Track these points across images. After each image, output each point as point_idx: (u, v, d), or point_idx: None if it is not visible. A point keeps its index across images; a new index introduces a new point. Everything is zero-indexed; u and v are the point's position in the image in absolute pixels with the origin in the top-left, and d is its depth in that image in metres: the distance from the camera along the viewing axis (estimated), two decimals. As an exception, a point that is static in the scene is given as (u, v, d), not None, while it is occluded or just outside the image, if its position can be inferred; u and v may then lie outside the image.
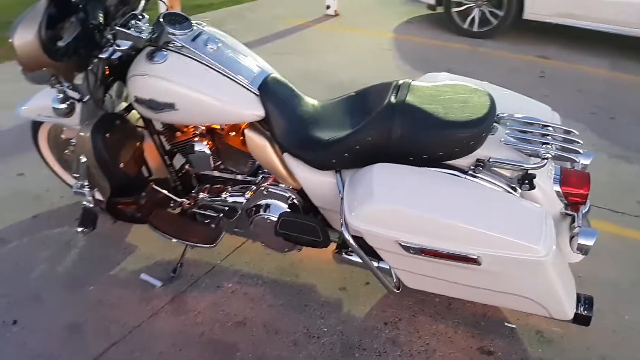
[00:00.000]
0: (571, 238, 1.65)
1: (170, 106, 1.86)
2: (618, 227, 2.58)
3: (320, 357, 1.87)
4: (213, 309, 2.07)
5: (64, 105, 1.95)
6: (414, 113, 1.68)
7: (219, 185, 2.18)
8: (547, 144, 1.68)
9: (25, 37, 1.61)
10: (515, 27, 5.25)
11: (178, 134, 2.10)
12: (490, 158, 1.68)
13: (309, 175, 1.87)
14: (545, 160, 1.65)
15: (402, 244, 1.59)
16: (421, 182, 1.62)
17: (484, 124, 1.65)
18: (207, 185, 2.19)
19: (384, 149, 1.71)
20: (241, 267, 2.28)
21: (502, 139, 1.69)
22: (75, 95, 1.99)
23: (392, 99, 1.74)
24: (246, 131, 1.93)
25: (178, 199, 2.18)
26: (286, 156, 1.90)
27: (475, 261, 1.55)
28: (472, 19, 5.28)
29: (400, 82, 1.83)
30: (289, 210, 1.98)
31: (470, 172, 1.70)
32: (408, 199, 1.58)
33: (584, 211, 1.76)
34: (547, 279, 1.56)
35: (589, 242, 1.60)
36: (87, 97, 1.93)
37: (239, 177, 2.15)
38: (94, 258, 2.32)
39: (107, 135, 1.93)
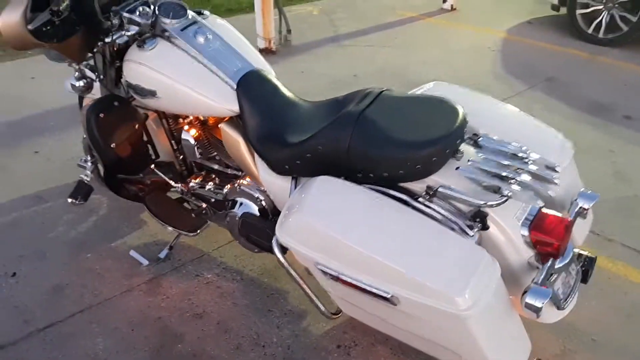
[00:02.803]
0: (523, 293, 1.38)
1: (153, 93, 1.90)
2: None
3: (254, 367, 1.82)
4: (181, 296, 2.10)
5: (80, 83, 2.11)
6: (365, 126, 1.53)
7: (211, 175, 2.19)
8: (513, 179, 1.42)
9: (10, 18, 1.74)
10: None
11: (180, 120, 2.15)
12: (440, 186, 1.47)
13: (269, 178, 1.80)
14: (504, 199, 1.40)
15: (319, 266, 1.46)
16: (354, 204, 1.47)
17: (435, 146, 1.44)
18: (201, 174, 2.21)
19: (334, 160, 1.58)
20: (227, 260, 2.28)
21: (458, 167, 1.46)
22: (92, 74, 2.14)
23: (350, 109, 1.59)
24: (222, 125, 1.91)
25: (174, 184, 2.24)
26: (256, 155, 1.84)
27: (389, 300, 1.37)
28: (599, 24, 4.62)
29: (374, 90, 1.67)
30: (251, 212, 1.92)
31: (421, 199, 1.50)
32: (333, 220, 1.44)
33: (560, 264, 1.47)
34: (470, 337, 1.33)
35: (537, 303, 1.33)
36: (102, 77, 2.06)
37: (229, 169, 2.13)
38: (105, 228, 2.48)
39: (102, 115, 2.03)
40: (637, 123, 3.46)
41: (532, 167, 1.47)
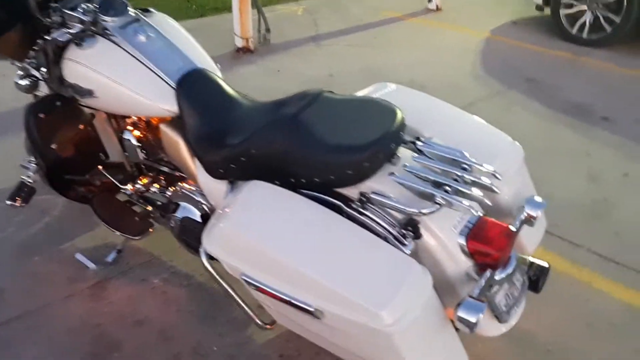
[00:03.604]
0: (457, 307, 1.30)
1: (90, 93, 1.83)
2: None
3: (190, 378, 1.74)
4: (125, 302, 2.03)
5: (24, 82, 2.04)
6: (297, 130, 1.45)
7: (159, 177, 2.11)
8: (449, 186, 1.34)
9: None
10: (637, 38, 4.42)
11: (126, 120, 2.07)
12: (372, 193, 1.39)
13: (207, 181, 1.72)
14: (437, 207, 1.32)
15: (243, 277, 1.39)
16: (282, 211, 1.39)
17: (366, 151, 1.37)
18: (148, 176, 2.13)
19: (268, 164, 1.51)
20: (177, 265, 2.20)
21: (392, 173, 1.39)
22: (37, 73, 2.06)
23: (285, 111, 1.52)
24: (161, 126, 1.83)
25: (121, 186, 2.16)
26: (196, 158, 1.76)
27: (312, 314, 1.29)
28: (583, 24, 4.54)
29: (313, 91, 1.59)
30: (190, 216, 1.84)
31: (354, 206, 1.42)
32: (256, 229, 1.37)
33: (500, 275, 1.39)
34: (397, 353, 1.25)
35: (471, 318, 1.25)
36: (45, 76, 1.98)
37: (176, 172, 2.06)
38: (56, 230, 2.40)
39: (42, 115, 1.96)
40: (614, 124, 3.38)
41: (471, 174, 1.39)
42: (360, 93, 1.81)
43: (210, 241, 1.44)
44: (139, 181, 2.11)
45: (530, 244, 1.66)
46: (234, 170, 1.59)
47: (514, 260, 1.43)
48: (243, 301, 1.57)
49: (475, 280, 1.38)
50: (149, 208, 2.10)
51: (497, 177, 1.42)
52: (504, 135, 1.67)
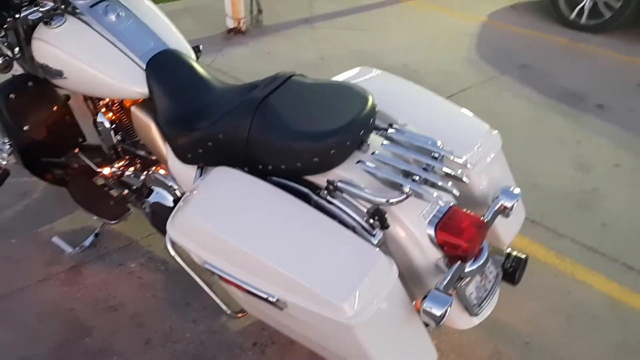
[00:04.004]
0: (422, 299, 1.27)
1: (60, 74, 1.78)
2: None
3: (160, 365, 1.72)
4: (99, 286, 2.00)
5: (-3, 61, 1.98)
6: (264, 114, 1.41)
7: (135, 161, 2.07)
8: (417, 175, 1.30)
9: None
10: (635, 24, 4.33)
11: (101, 102, 2.03)
12: (339, 181, 1.35)
13: (176, 165, 1.68)
14: (403, 196, 1.28)
15: (206, 265, 1.35)
16: (246, 198, 1.35)
17: (332, 137, 1.32)
18: (124, 159, 2.09)
19: (235, 150, 1.46)
20: (154, 250, 2.18)
21: (360, 161, 1.35)
22: (9, 52, 2.01)
23: (253, 95, 1.47)
24: (132, 108, 1.79)
25: (97, 169, 2.12)
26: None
27: (275, 304, 1.26)
28: (582, 9, 4.45)
29: (283, 75, 1.54)
30: (162, 201, 1.81)
31: (323, 195, 1.38)
32: (218, 216, 1.33)
33: (471, 268, 1.36)
34: (359, 346, 1.22)
35: (435, 311, 1.22)
36: (17, 55, 1.93)
37: (152, 156, 2.02)
38: (35, 213, 2.37)
39: (12, 96, 1.92)
40: (608, 112, 3.32)
41: (441, 163, 1.35)
42: (338, 77, 1.76)
43: (173, 228, 1.41)
44: (115, 165, 2.07)
45: (507, 234, 1.63)
46: (202, 155, 1.55)
47: (486, 252, 1.40)
48: (211, 289, 1.55)
49: (444, 272, 1.34)
50: (126, 192, 2.07)
51: (467, 167, 1.38)
52: (482, 124, 1.63)
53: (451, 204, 1.39)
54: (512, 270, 1.57)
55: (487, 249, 1.41)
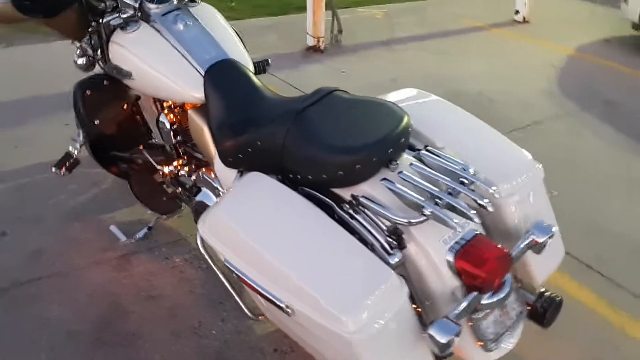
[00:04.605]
0: (429, 324, 1.25)
1: (129, 75, 1.94)
2: None
3: (183, 357, 1.79)
4: (144, 276, 2.13)
5: (81, 61, 2.19)
6: (299, 126, 1.45)
7: (191, 161, 2.19)
8: (439, 199, 1.28)
9: None
10: None
11: (164, 103, 2.17)
12: (362, 196, 1.36)
13: (220, 168, 1.76)
14: (423, 218, 1.27)
15: (226, 262, 1.41)
16: (272, 205, 1.40)
17: (358, 153, 1.34)
18: (181, 159, 2.22)
19: (270, 157, 1.52)
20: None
21: (385, 178, 1.35)
22: (92, 53, 2.21)
23: (292, 107, 1.52)
24: (190, 111, 1.90)
25: (157, 166, 2.26)
26: None
27: (283, 310, 1.29)
28: (683, 48, 4.15)
29: (325, 89, 1.58)
30: (206, 201, 1.90)
31: (345, 208, 1.40)
32: (243, 219, 1.39)
33: (489, 300, 1.31)
34: (358, 364, 1.21)
35: (440, 338, 1.19)
36: (98, 56, 2.13)
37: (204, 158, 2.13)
38: (101, 202, 2.56)
39: (88, 92, 2.10)
40: (696, 160, 3.06)
41: (467, 189, 1.32)
42: (386, 96, 1.77)
43: (203, 225, 1.47)
44: (173, 163, 2.20)
45: (540, 272, 1.55)
46: (242, 159, 1.62)
47: (508, 286, 1.35)
48: (234, 289, 1.60)
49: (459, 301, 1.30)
50: (179, 190, 2.18)
51: (495, 196, 1.35)
52: (525, 155, 1.58)
53: (476, 232, 1.35)
54: (543, 311, 1.49)
55: (510, 284, 1.36)
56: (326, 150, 1.37)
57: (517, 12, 5.49)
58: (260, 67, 2.42)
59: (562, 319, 1.51)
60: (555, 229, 1.42)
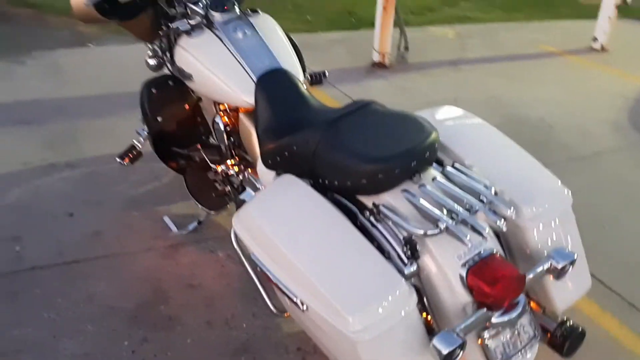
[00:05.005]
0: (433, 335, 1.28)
1: (190, 77, 2.10)
2: None
3: (212, 345, 1.91)
4: (188, 266, 2.27)
5: (152, 61, 2.39)
6: (331, 133, 1.54)
7: (241, 162, 2.33)
8: (456, 214, 1.32)
9: None
10: None
11: (220, 106, 2.33)
12: (382, 205, 1.42)
13: (261, 169, 1.87)
14: (437, 231, 1.31)
15: (252, 256, 1.51)
16: (298, 207, 1.49)
17: (380, 163, 1.41)
18: (233, 159, 2.36)
19: (303, 162, 1.61)
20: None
21: (406, 190, 1.41)
22: (162, 55, 2.41)
23: (330, 115, 1.61)
24: (241, 114, 2.04)
25: (211, 164, 2.42)
26: None
27: (297, 305, 1.37)
28: None
29: (362, 102, 1.66)
30: (246, 199, 2.00)
31: (366, 215, 1.47)
32: (270, 217, 1.49)
33: (499, 319, 1.34)
34: (360, 363, 1.27)
35: (442, 349, 1.23)
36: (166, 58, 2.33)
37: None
38: (160, 193, 2.76)
39: (154, 91, 2.29)
40: None
41: (484, 207, 1.35)
42: (423, 111, 1.82)
43: (237, 220, 1.59)
44: (225, 163, 2.35)
45: (561, 299, 1.54)
46: (280, 162, 1.72)
47: (520, 307, 1.36)
48: (261, 284, 1.70)
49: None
50: (227, 188, 2.32)
51: (512, 217, 1.37)
52: (554, 180, 1.57)
53: (493, 251, 1.38)
54: (562, 340, 1.48)
55: (524, 305, 1.37)
56: (352, 158, 1.44)
57: (595, 39, 5.31)
58: (317, 78, 2.54)
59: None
60: (577, 256, 1.41)
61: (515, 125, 3.53)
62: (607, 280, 2.25)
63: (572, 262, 1.40)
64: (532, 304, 1.56)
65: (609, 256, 2.39)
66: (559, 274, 1.40)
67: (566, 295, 1.56)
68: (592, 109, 3.92)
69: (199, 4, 2.12)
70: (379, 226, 1.45)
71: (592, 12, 5.50)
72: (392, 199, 1.43)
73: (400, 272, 1.34)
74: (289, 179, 1.58)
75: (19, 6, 7.04)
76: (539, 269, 1.38)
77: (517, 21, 6.42)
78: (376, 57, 4.56)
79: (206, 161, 2.43)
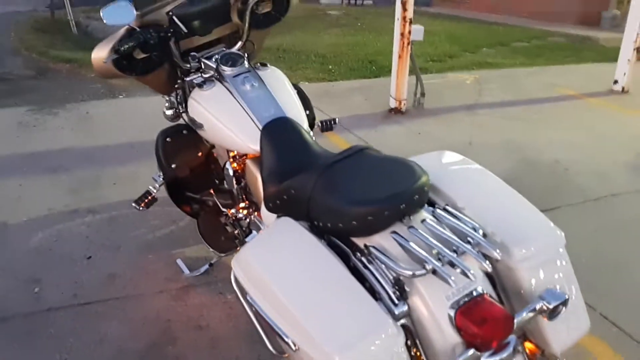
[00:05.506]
0: (422, 377, 1.30)
1: (201, 127, 2.22)
2: None
3: (215, 385, 1.93)
4: (197, 307, 2.32)
5: (169, 112, 2.54)
6: (326, 178, 1.59)
7: (249, 206, 2.40)
8: (443, 256, 1.35)
9: (99, 54, 2.19)
10: None
11: (231, 153, 2.43)
12: (372, 247, 1.46)
13: (264, 212, 1.93)
14: (423, 272, 1.34)
15: (248, 297, 1.55)
16: (294, 249, 1.54)
17: (370, 206, 1.45)
18: (243, 204, 2.44)
19: (300, 205, 1.67)
20: (252, 287, 2.44)
21: (395, 232, 1.44)
22: (178, 106, 2.55)
23: (326, 160, 1.67)
24: (248, 161, 2.12)
25: (222, 209, 2.50)
26: None
27: (289, 345, 1.40)
28: None
29: (358, 147, 1.72)
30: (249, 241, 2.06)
31: (358, 256, 1.51)
32: (265, 257, 1.54)
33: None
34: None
35: (428, 391, 1.24)
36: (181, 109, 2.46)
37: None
38: (175, 237, 2.85)
39: (168, 139, 2.41)
40: None
41: (471, 249, 1.37)
42: (419, 156, 1.86)
43: (236, 261, 1.64)
44: (235, 207, 2.43)
45: (557, 341, 1.51)
46: (280, 206, 1.78)
47: (512, 348, 1.35)
48: (259, 324, 1.73)
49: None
50: (236, 231, 2.39)
51: (498, 259, 1.38)
52: (547, 223, 1.58)
53: (483, 292, 1.39)
54: None
55: (515, 346, 1.36)
56: (342, 200, 1.49)
57: (615, 81, 5.31)
58: (328, 124, 2.64)
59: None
60: (569, 296, 1.41)
61: (530, 168, 3.54)
62: (622, 323, 2.20)
63: (564, 303, 1.40)
64: (530, 346, 1.55)
65: (624, 298, 2.34)
66: (551, 314, 1.39)
67: (563, 336, 1.54)
68: (608, 151, 3.89)
69: (212, 59, 2.26)
70: (371, 267, 1.48)
71: (615, 55, 5.51)
72: (382, 240, 1.46)
73: (391, 312, 1.37)
74: (286, 221, 1.63)
75: (59, 62, 7.51)
76: (530, 310, 1.38)
77: (539, 66, 6.48)
78: (393, 103, 4.66)
79: (218, 205, 2.52)
